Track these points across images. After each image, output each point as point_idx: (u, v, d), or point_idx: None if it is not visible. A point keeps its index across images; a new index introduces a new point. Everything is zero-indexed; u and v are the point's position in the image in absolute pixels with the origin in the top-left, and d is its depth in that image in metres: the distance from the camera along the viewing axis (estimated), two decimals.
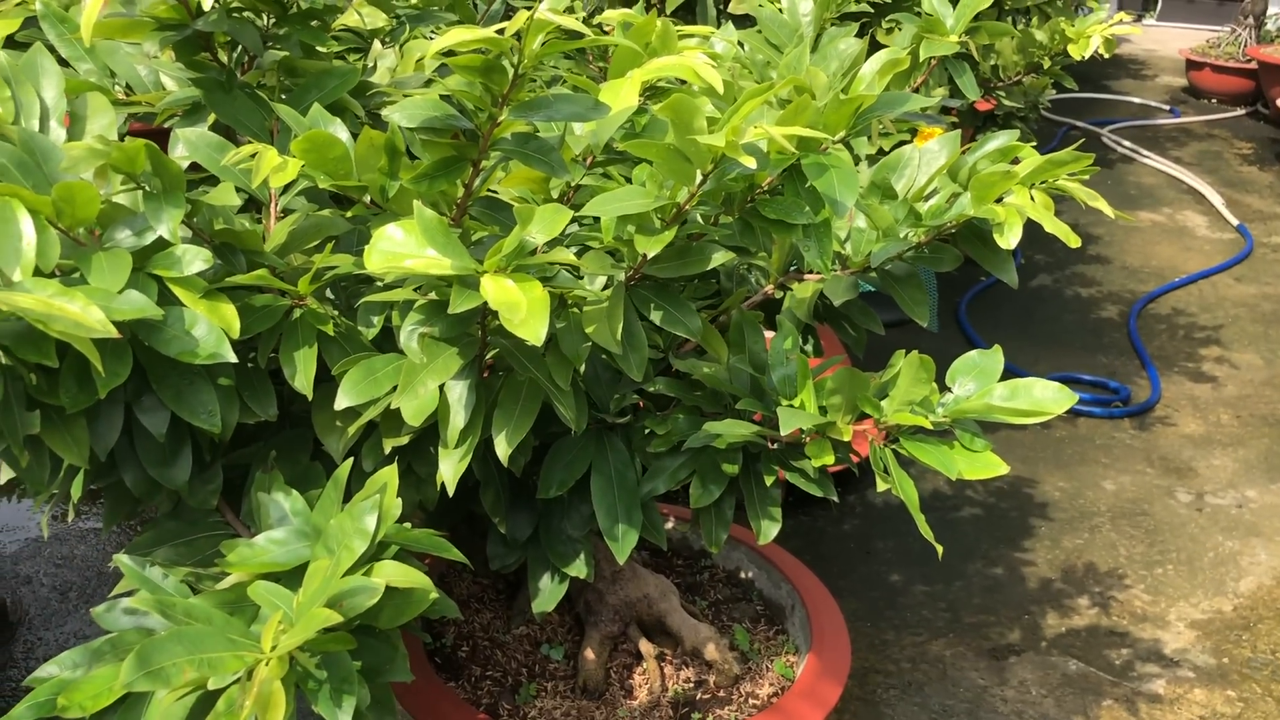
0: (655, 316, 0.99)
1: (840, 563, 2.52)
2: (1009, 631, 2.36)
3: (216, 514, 1.10)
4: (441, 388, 0.95)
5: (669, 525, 1.66)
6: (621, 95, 1.00)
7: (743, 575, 1.63)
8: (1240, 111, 6.47)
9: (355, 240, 1.09)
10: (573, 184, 1.08)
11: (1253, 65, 6.34)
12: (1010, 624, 2.38)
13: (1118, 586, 2.52)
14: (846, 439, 1.04)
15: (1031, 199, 1.13)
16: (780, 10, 1.61)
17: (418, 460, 1.08)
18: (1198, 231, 4.69)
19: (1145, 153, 5.67)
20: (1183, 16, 8.18)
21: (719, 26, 2.47)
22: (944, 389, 1.08)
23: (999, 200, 1.10)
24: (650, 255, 0.86)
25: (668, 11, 2.48)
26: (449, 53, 0.87)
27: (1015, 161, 1.21)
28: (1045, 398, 1.03)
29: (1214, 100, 6.68)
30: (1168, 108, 6.53)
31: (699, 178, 0.89)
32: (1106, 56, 2.01)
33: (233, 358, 0.89)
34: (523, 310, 0.76)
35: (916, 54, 1.28)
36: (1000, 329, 3.69)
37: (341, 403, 0.96)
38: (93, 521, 2.64)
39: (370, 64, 1.23)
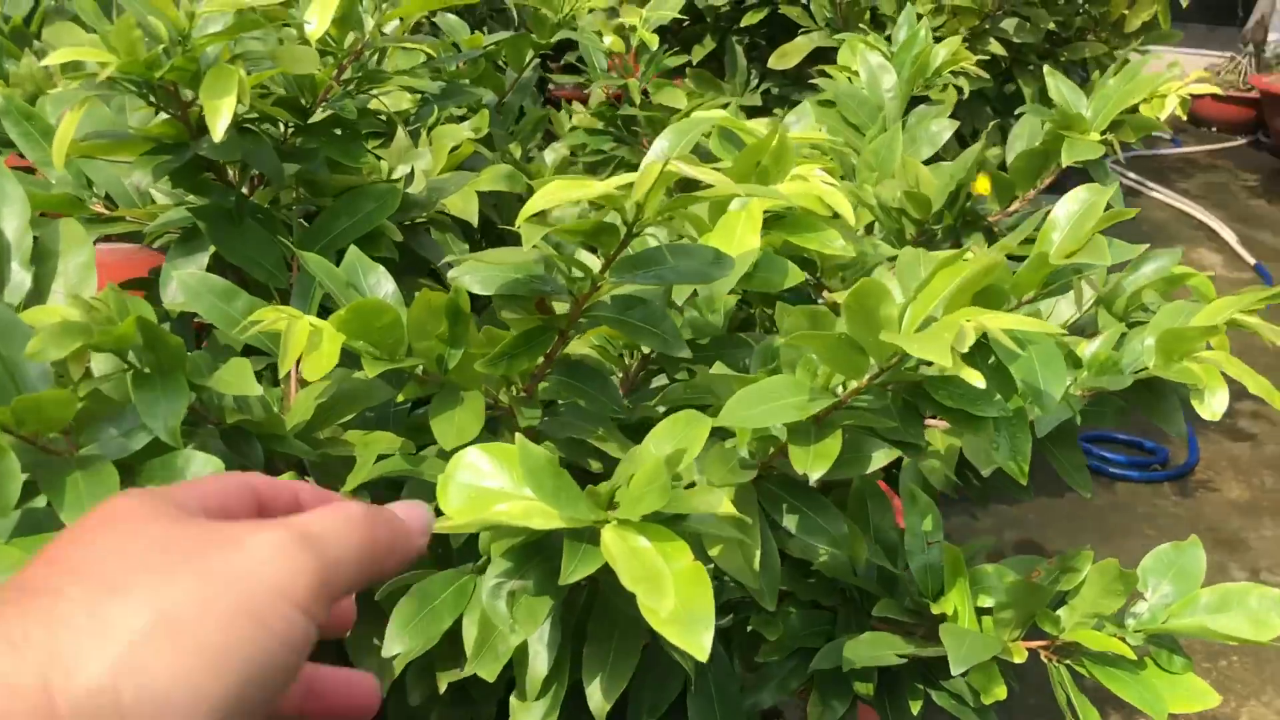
0: (789, 522, 0.78)
1: None
2: None
3: None
4: None
5: None
6: (738, 237, 0.79)
7: None
8: (1241, 140, 6.35)
9: (389, 405, 0.87)
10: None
11: (1254, 94, 6.22)
12: None
13: None
14: (1019, 660, 0.83)
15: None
16: (859, 84, 1.40)
17: (475, 683, 0.86)
18: (1215, 272, 4.53)
19: (1152, 185, 5.52)
20: (1181, 43, 8.06)
21: (749, 78, 2.27)
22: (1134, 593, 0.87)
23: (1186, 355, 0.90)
24: (815, 476, 0.65)
25: (694, 63, 2.27)
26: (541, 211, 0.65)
27: (1183, 291, 1.01)
28: (1263, 612, 0.83)
29: (1214, 129, 6.55)
30: (1169, 137, 6.40)
31: (873, 369, 0.68)
32: (1184, 118, 1.82)
33: None
34: (669, 594, 0.54)
35: (1057, 154, 1.08)
36: None
37: (393, 648, 0.73)
38: None
39: (407, 169, 1.00)
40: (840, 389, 0.70)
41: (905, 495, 0.96)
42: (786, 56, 2.02)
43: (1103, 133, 1.08)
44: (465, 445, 0.67)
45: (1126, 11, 2.24)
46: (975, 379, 0.58)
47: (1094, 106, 1.10)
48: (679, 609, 0.54)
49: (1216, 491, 3.02)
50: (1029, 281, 0.75)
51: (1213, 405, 0.85)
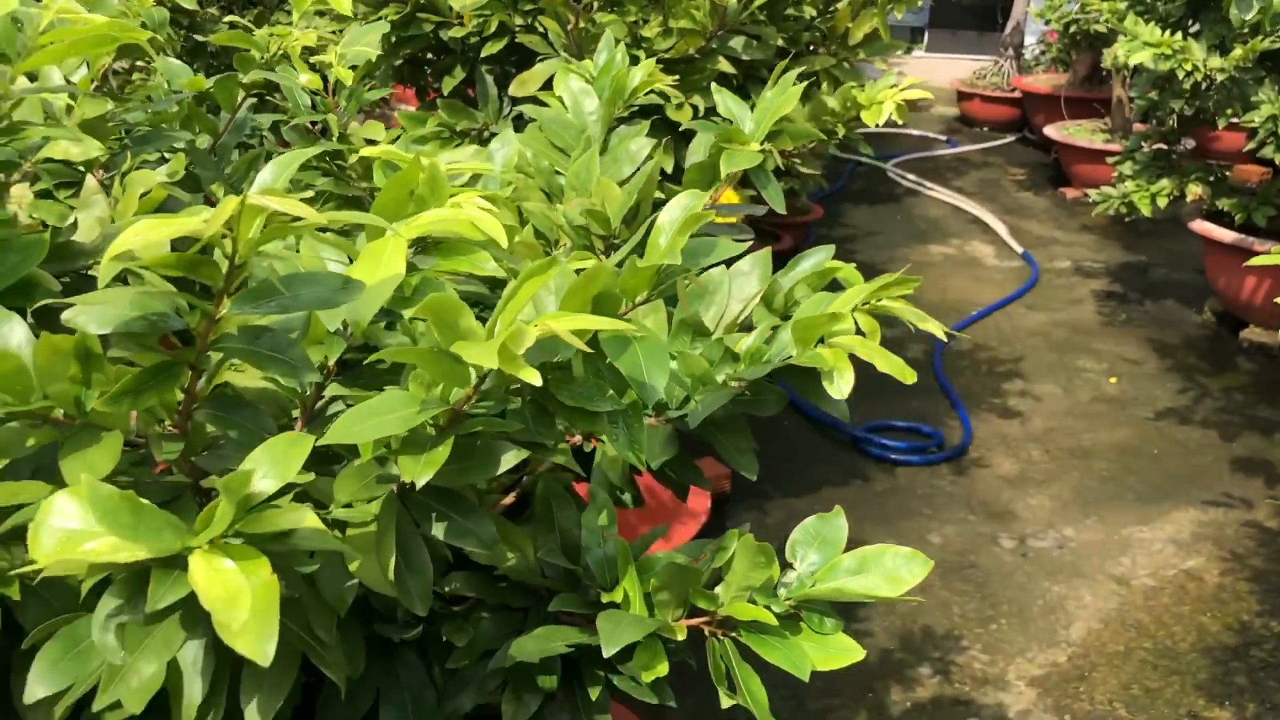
0: (437, 529, 0.81)
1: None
2: (855, 714, 2.27)
3: None
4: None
5: None
6: (384, 262, 0.82)
7: None
8: (1011, 138, 6.78)
9: (53, 456, 0.86)
10: (331, 363, 0.89)
11: (1017, 94, 6.65)
12: (855, 705, 2.29)
13: (955, 649, 2.47)
14: (680, 638, 0.89)
15: (856, 327, 1.01)
16: (564, 107, 1.46)
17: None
18: (986, 261, 4.82)
19: (929, 184, 5.84)
20: (949, 47, 8.56)
21: (500, 107, 2.31)
22: (784, 564, 0.94)
23: (822, 340, 0.98)
24: (421, 482, 0.69)
25: (445, 93, 2.31)
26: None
27: (834, 285, 1.10)
28: (899, 569, 0.91)
29: (986, 129, 6.97)
30: (945, 139, 6.77)
31: (475, 377, 0.72)
32: (901, 123, 1.96)
33: None
34: (244, 609, 0.57)
35: (717, 167, 1.15)
36: None
37: (35, 692, 0.74)
38: None
39: (71, 219, 1.00)
40: (457, 398, 0.74)
41: (590, 494, 1.01)
42: (526, 84, 2.08)
43: (763, 142, 1.16)
44: None
45: (850, 25, 2.38)
46: (532, 377, 0.63)
47: (755, 118, 1.18)
48: (250, 621, 0.57)
49: (988, 468, 3.22)
50: (635, 284, 0.81)
51: (840, 386, 0.92)
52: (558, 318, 0.67)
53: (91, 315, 0.72)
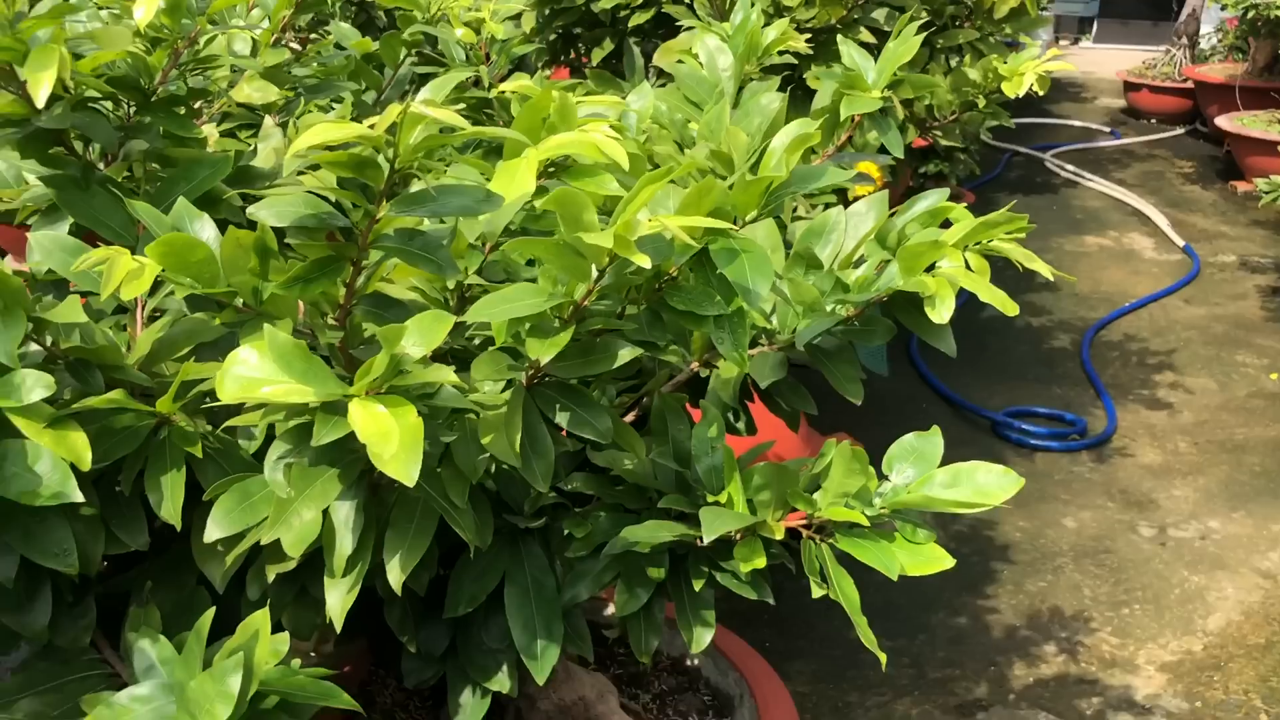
0: (561, 419, 0.90)
1: (800, 621, 2.43)
2: (976, 685, 2.28)
3: (92, 651, 1.00)
4: (326, 510, 0.86)
5: (610, 610, 1.56)
6: (516, 180, 0.92)
7: (688, 663, 1.53)
8: (1179, 131, 6.52)
9: (234, 344, 0.99)
10: (467, 275, 0.99)
11: (1189, 85, 6.40)
12: (977, 677, 2.30)
13: (1084, 630, 2.45)
14: (778, 537, 0.96)
15: (966, 264, 1.06)
16: (699, 65, 1.53)
17: (313, 582, 0.98)
18: (1145, 254, 4.68)
19: (1088, 176, 5.68)
20: (1119, 38, 8.27)
21: (648, 77, 2.40)
22: (881, 476, 1.00)
23: (930, 269, 1.03)
24: (545, 361, 0.78)
25: (594, 63, 2.41)
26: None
27: (946, 224, 1.14)
28: (989, 484, 0.95)
29: (1153, 120, 6.73)
30: (1108, 130, 6.57)
31: (595, 273, 0.80)
32: (1042, 94, 1.96)
33: (78, 497, 0.79)
34: (394, 442, 0.67)
35: (838, 111, 1.21)
36: (953, 362, 3.64)
37: (212, 534, 0.86)
38: None
39: (253, 147, 1.13)
40: (580, 293, 0.83)
41: (703, 409, 1.08)
42: (670, 53, 2.16)
43: (884, 90, 1.22)
44: None
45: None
46: (643, 260, 0.71)
47: (877, 68, 1.24)
48: (399, 451, 0.67)
49: (1131, 457, 3.15)
50: (746, 199, 0.88)
51: (941, 311, 0.97)
52: (671, 216, 0.75)
53: (272, 210, 0.84)
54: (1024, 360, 3.73)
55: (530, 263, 1.11)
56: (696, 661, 1.52)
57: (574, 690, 1.30)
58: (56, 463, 0.80)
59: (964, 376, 3.54)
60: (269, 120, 1.31)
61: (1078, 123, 6.77)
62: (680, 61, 1.60)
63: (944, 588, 2.56)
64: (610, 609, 1.56)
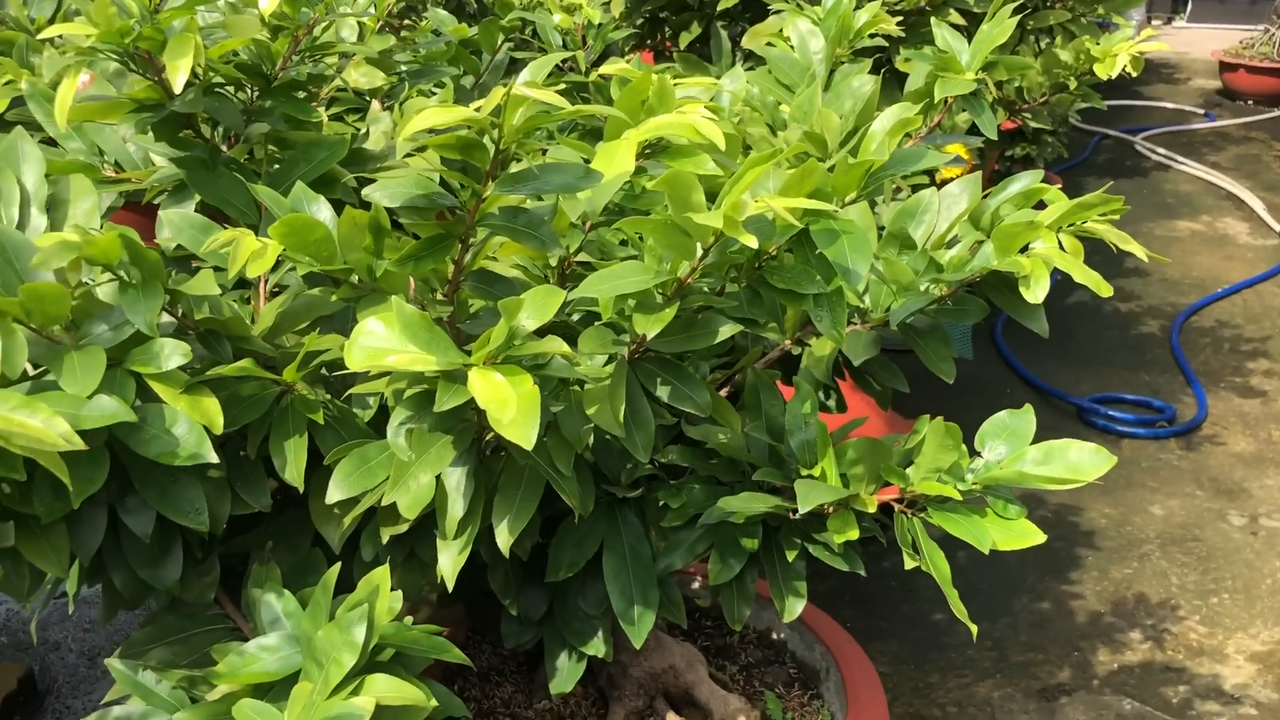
0: (662, 392, 0.94)
1: (882, 602, 2.45)
2: (1059, 670, 2.27)
3: (215, 606, 1.06)
4: (438, 476, 0.90)
5: (696, 584, 1.60)
6: (616, 159, 0.95)
7: (775, 636, 1.56)
8: (1278, 112, 6.33)
9: (350, 318, 1.04)
10: (570, 252, 1.03)
11: None
12: (1060, 662, 2.29)
13: (1171, 619, 2.42)
14: (871, 510, 0.98)
15: (1060, 245, 1.07)
16: (790, 48, 1.55)
17: (421, 545, 1.03)
18: (1239, 239, 4.57)
19: (1181, 159, 5.55)
20: (1214, 17, 8.03)
21: (734, 61, 2.42)
22: (973, 452, 1.01)
23: (1024, 250, 1.04)
24: (651, 335, 0.81)
25: (681, 47, 2.43)
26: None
27: (1040, 206, 1.15)
28: (1082, 461, 0.97)
29: (1250, 102, 6.54)
30: (1202, 112, 6.40)
31: (700, 251, 0.83)
32: (1135, 74, 1.94)
33: (214, 458, 0.84)
34: (512, 408, 0.71)
35: (932, 93, 1.22)
36: (1039, 348, 3.60)
37: (333, 496, 0.91)
38: None
39: (364, 130, 1.18)
40: (684, 271, 0.86)
41: (796, 385, 1.11)
42: (758, 36, 2.17)
43: (977, 72, 1.22)
44: None
45: None
46: (749, 240, 0.74)
47: (971, 50, 1.24)
48: (517, 416, 0.71)
49: (1222, 445, 3.09)
50: (846, 181, 0.90)
51: (1035, 291, 0.99)
52: (775, 197, 0.77)
53: (385, 191, 0.88)
54: (1111, 346, 3.67)
55: (624, 243, 1.15)
56: (782, 635, 1.55)
57: (664, 658, 1.33)
58: (193, 426, 0.85)
59: (1049, 362, 3.50)
60: (376, 104, 1.36)
61: (1170, 105, 6.61)
62: (770, 44, 1.62)
63: (1027, 572, 2.55)
64: (697, 583, 1.60)
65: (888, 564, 2.53)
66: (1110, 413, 3.22)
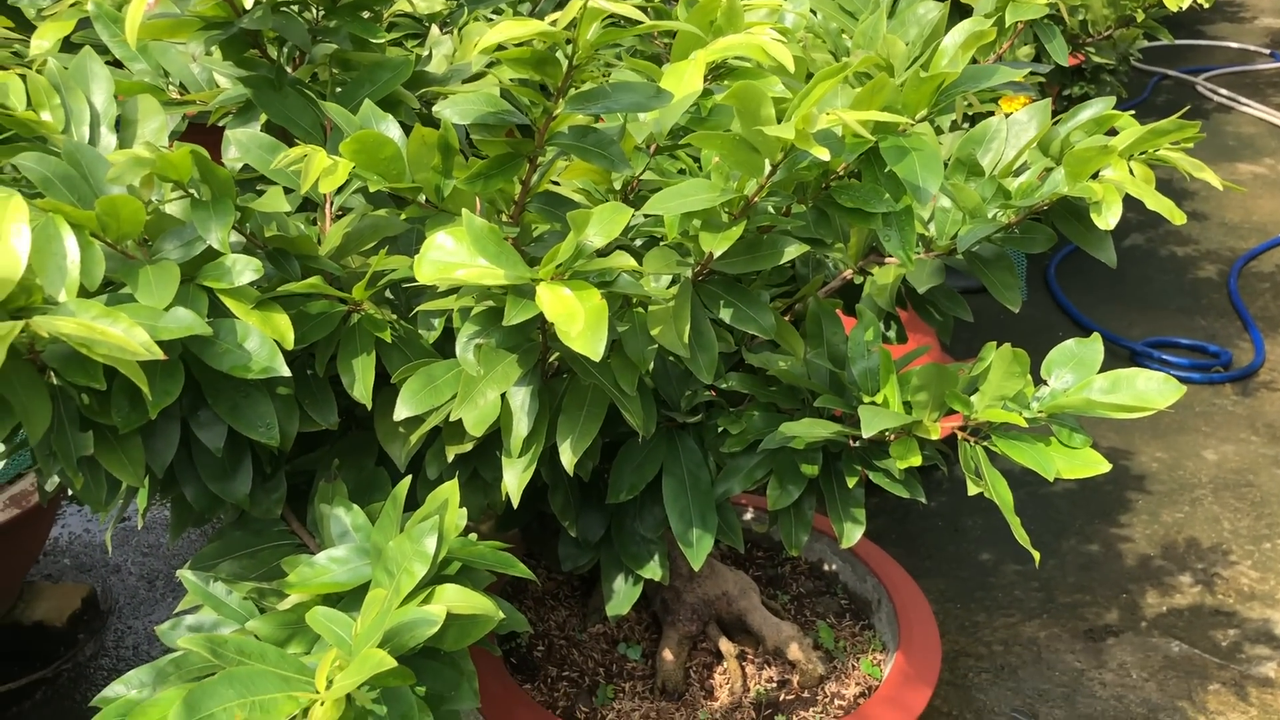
0: (725, 314, 0.94)
1: (928, 541, 2.45)
2: (1106, 612, 2.27)
3: (282, 523, 1.08)
4: (503, 395, 0.91)
5: (748, 515, 1.61)
6: (685, 80, 0.94)
7: (826, 568, 1.57)
8: None
9: (414, 240, 1.05)
10: (636, 174, 1.02)
11: None
12: (1108, 604, 2.29)
13: (1222, 563, 2.40)
14: (934, 438, 0.98)
15: (1131, 173, 1.05)
16: None
17: (484, 465, 1.04)
18: None
19: (1244, 100, 5.40)
20: None
21: None
22: (1039, 381, 1.00)
23: (1095, 176, 1.02)
24: (718, 254, 0.81)
25: None
26: (500, 46, 0.82)
27: (1112, 132, 1.13)
28: (1150, 390, 0.95)
29: None
30: (1268, 51, 6.21)
31: (768, 168, 0.83)
32: (1207, 6, 1.89)
33: (286, 372, 0.85)
34: (580, 321, 0.71)
35: (1002, 18, 1.20)
36: (1092, 291, 3.55)
37: (401, 413, 0.92)
38: None
39: (426, 53, 1.18)
40: (751, 189, 0.86)
41: (858, 313, 1.10)
42: None
43: None
44: None
45: None
46: (821, 153, 0.73)
47: None
48: (584, 329, 0.71)
49: (1279, 391, 3.05)
50: (918, 97, 0.89)
51: (1107, 218, 0.97)
52: (847, 110, 0.76)
53: (456, 108, 0.88)
54: (1166, 290, 3.61)
55: (681, 172, 1.14)
56: (834, 567, 1.56)
57: (718, 585, 1.34)
58: (264, 340, 0.86)
59: (1102, 306, 3.46)
60: (435, 29, 1.36)
61: (1234, 44, 6.42)
62: None
63: (1076, 514, 2.54)
64: (750, 514, 1.60)
65: (934, 503, 2.53)
66: (1164, 357, 3.17)
